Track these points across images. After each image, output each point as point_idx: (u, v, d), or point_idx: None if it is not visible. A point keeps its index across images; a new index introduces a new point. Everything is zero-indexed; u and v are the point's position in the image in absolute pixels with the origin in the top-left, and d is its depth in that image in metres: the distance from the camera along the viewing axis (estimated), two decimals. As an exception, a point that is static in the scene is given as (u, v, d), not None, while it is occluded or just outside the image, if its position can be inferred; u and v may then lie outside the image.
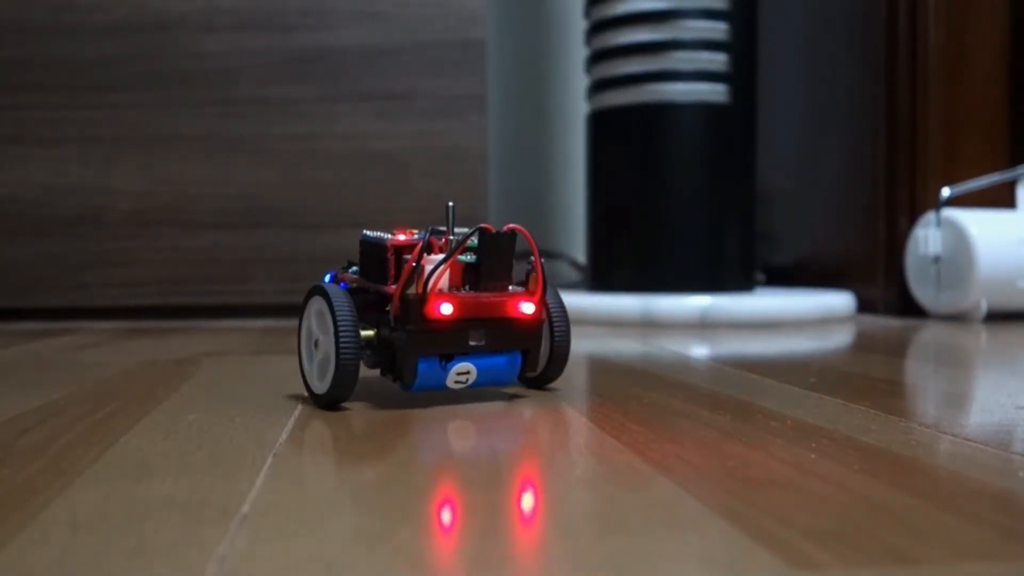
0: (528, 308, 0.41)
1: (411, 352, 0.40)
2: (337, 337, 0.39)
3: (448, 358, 0.41)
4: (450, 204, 0.42)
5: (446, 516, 0.24)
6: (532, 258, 0.42)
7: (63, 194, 1.00)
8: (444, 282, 0.41)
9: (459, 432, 0.36)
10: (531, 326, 0.42)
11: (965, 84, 0.99)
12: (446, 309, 0.39)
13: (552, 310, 0.45)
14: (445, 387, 0.41)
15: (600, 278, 1.01)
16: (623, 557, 0.21)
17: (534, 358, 0.43)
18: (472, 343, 0.41)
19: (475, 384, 0.42)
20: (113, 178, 1.00)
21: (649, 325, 0.89)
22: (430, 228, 0.41)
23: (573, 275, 1.28)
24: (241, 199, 1.00)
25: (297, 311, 0.45)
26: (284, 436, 0.35)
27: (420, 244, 0.40)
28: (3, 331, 0.88)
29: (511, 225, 0.41)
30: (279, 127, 1.00)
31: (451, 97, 1.00)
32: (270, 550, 0.21)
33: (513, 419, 0.39)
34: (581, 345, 0.70)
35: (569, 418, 0.39)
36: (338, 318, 0.40)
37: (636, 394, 0.45)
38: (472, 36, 1.00)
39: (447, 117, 1.00)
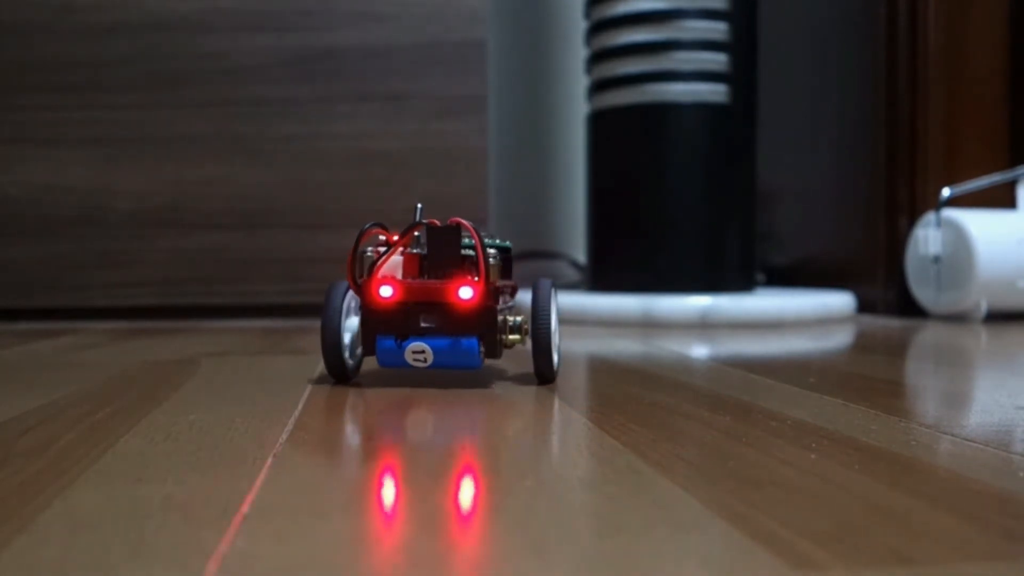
0: (466, 293, 0.45)
1: (366, 328, 0.46)
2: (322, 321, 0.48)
3: (404, 337, 0.46)
4: (418, 205, 0.47)
5: (445, 516, 0.24)
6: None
7: (63, 194, 1.00)
8: (398, 271, 0.46)
9: (459, 432, 0.36)
10: (478, 311, 0.45)
11: (965, 84, 0.99)
12: (386, 291, 0.45)
13: (537, 301, 0.48)
14: (407, 364, 0.46)
15: (600, 278, 1.01)
16: (623, 557, 0.21)
17: (489, 342, 0.46)
18: (424, 325, 0.46)
19: (436, 364, 0.46)
20: (113, 178, 1.00)
21: (649, 325, 0.89)
22: (371, 223, 0.46)
23: (573, 275, 1.28)
24: (241, 199, 1.00)
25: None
26: (284, 436, 0.35)
27: (356, 238, 0.46)
28: (3, 331, 0.88)
29: (455, 219, 0.46)
30: (279, 127, 1.00)
31: (451, 97, 1.00)
32: (270, 550, 0.21)
33: (513, 418, 0.39)
34: (581, 345, 0.70)
35: (569, 418, 0.39)
36: (325, 305, 0.48)
37: (636, 394, 0.45)
38: (472, 36, 1.00)
39: (447, 117, 1.00)
